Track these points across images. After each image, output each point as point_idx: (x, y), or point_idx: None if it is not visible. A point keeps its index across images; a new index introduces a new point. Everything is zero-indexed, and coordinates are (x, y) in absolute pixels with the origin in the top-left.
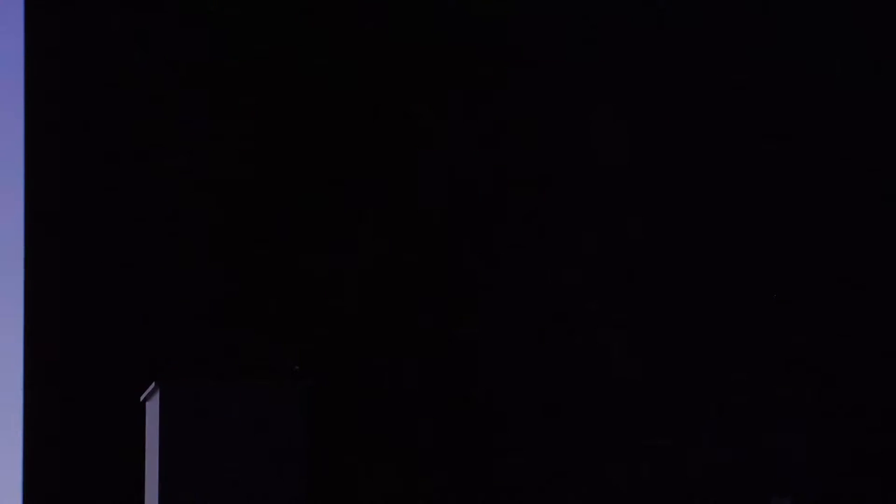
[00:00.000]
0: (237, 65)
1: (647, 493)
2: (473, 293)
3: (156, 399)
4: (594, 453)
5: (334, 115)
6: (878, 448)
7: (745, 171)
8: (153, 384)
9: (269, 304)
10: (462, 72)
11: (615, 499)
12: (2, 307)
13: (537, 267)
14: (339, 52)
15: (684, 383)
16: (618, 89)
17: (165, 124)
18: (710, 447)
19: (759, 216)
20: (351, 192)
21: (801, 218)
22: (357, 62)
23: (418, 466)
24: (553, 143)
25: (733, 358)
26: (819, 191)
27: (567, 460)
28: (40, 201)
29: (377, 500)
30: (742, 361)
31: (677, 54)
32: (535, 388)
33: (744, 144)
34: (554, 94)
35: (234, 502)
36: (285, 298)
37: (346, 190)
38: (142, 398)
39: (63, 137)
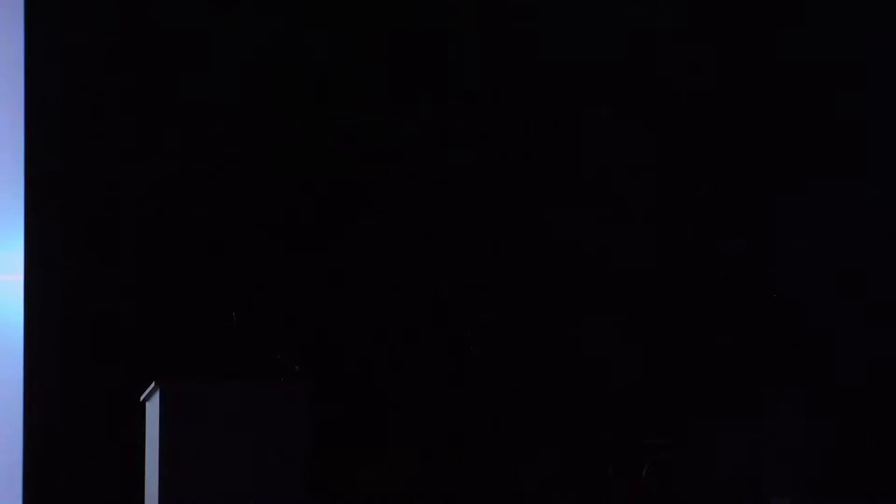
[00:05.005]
0: (236, 64)
1: (647, 492)
2: (473, 293)
3: (156, 399)
4: (594, 453)
5: (333, 114)
6: (879, 448)
7: (745, 171)
8: (153, 384)
9: (269, 303)
10: (461, 71)
11: (615, 498)
12: (1, 306)
13: (537, 266)
14: (336, 52)
15: (684, 383)
16: (617, 89)
17: (164, 123)
18: (710, 447)
19: (761, 216)
20: (351, 192)
21: (802, 218)
22: (354, 61)
23: (419, 466)
24: (552, 142)
25: (734, 357)
26: (820, 190)
27: (567, 459)
28: (40, 200)
29: (378, 499)
30: (742, 361)
31: (677, 54)
32: (536, 387)
33: (744, 144)
34: (553, 93)
35: (234, 502)
36: (285, 298)
37: (346, 189)
38: (142, 398)
39: (63, 135)
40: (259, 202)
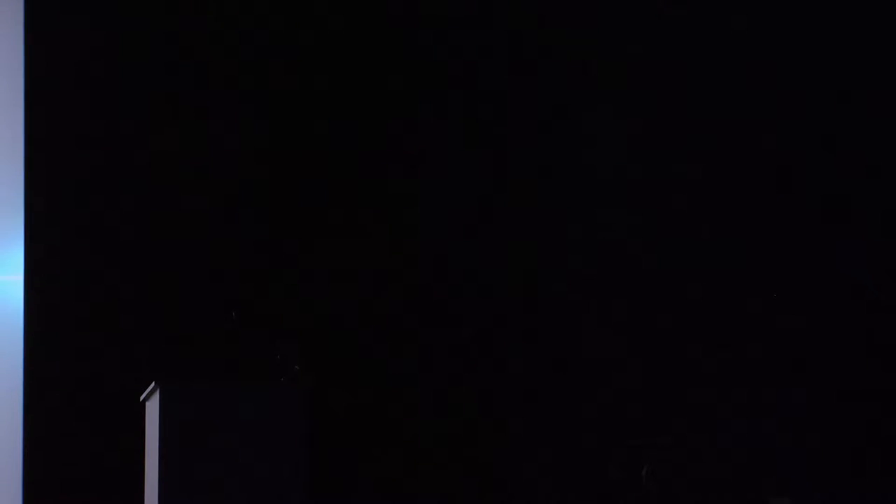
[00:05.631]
0: (234, 64)
1: (646, 492)
2: (473, 293)
3: (156, 399)
4: (594, 453)
5: (332, 113)
6: (879, 447)
7: (746, 171)
8: (153, 384)
9: (269, 303)
10: (462, 70)
11: (614, 498)
12: (1, 306)
13: (538, 266)
14: (336, 50)
15: (684, 383)
16: (617, 89)
17: (164, 123)
18: (710, 447)
19: (761, 215)
20: (351, 192)
21: (802, 218)
22: (354, 60)
23: (419, 466)
24: (552, 143)
25: (734, 357)
26: (821, 189)
27: (568, 459)
28: (40, 200)
29: (378, 499)
30: (742, 360)
31: (677, 54)
32: (536, 386)
33: (745, 144)
34: (553, 94)
35: (233, 502)
36: (285, 298)
37: (347, 189)
38: (142, 398)
39: (63, 134)
40: (259, 202)
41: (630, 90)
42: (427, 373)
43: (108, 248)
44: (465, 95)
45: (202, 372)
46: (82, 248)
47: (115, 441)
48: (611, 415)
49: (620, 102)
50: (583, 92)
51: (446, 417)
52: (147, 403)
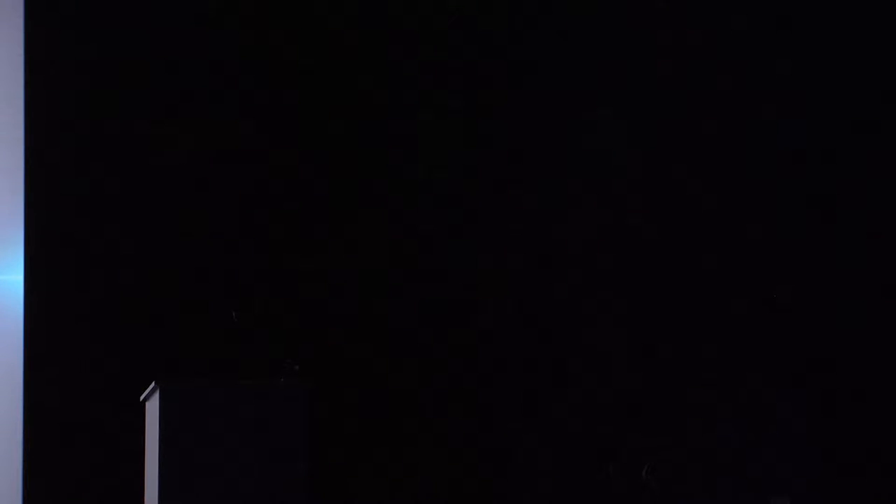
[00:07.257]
0: (236, 63)
1: (646, 492)
2: (473, 292)
3: (156, 399)
4: (594, 453)
5: (331, 113)
6: (882, 449)
7: (745, 169)
8: (153, 384)
9: (269, 303)
10: (461, 71)
11: (614, 498)
12: (1, 306)
13: (537, 266)
14: (334, 50)
15: (684, 383)
16: (617, 89)
17: (164, 122)
18: (709, 446)
19: (762, 215)
20: (351, 192)
21: (804, 217)
22: (353, 59)
23: (420, 467)
24: (552, 142)
25: (734, 357)
26: (822, 189)
27: (568, 459)
28: (40, 200)
29: (378, 499)
30: (742, 360)
31: (677, 54)
32: (535, 386)
33: (744, 141)
34: (553, 94)
35: (234, 502)
36: (284, 298)
37: (347, 189)
38: (142, 398)
39: (63, 133)
40: (259, 202)
41: (629, 90)
42: (427, 372)
43: (108, 248)
44: (465, 95)
45: (202, 372)
46: (82, 248)
47: (115, 441)
48: (611, 415)
49: (620, 101)
50: (582, 91)
51: (446, 417)
52: (147, 403)
